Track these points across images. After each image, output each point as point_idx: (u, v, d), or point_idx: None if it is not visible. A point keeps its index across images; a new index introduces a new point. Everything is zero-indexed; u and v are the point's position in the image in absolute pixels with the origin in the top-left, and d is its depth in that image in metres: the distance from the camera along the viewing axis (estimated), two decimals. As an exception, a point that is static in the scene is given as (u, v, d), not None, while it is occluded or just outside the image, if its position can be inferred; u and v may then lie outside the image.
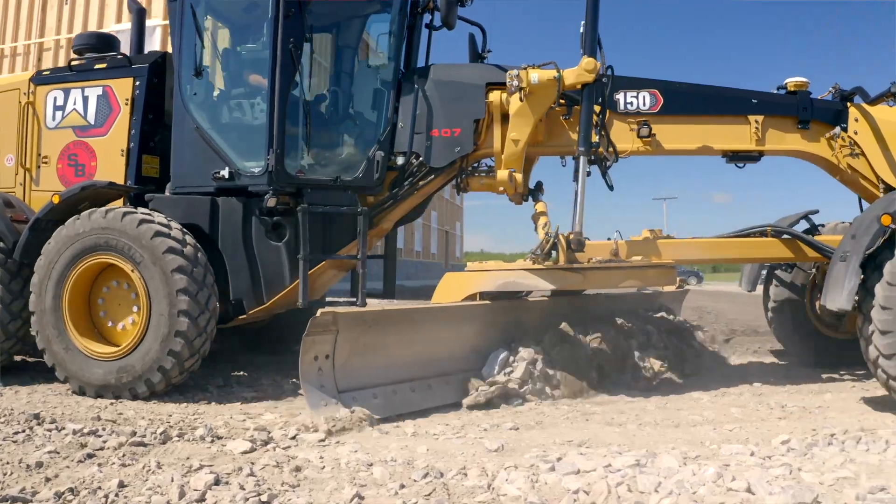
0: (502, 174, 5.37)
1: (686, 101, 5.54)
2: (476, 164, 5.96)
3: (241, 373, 6.17)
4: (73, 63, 6.06)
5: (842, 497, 2.77)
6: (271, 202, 5.30)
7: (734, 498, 2.75)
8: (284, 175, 5.35)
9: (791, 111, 5.52)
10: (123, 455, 3.36)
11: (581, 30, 5.06)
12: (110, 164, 5.80)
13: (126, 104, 5.80)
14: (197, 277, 4.92)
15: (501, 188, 5.46)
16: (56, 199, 5.27)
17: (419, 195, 5.91)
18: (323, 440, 3.74)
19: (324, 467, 3.21)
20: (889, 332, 4.19)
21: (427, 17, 6.01)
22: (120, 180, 5.72)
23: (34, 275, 5.18)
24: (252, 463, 3.22)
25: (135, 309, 5.09)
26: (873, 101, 5.48)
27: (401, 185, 5.80)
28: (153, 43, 9.69)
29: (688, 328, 6.24)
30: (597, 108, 5.37)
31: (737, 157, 5.72)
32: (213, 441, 3.70)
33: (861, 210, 5.67)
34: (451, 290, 5.14)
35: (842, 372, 6.28)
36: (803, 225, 6.22)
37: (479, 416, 4.44)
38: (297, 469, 3.16)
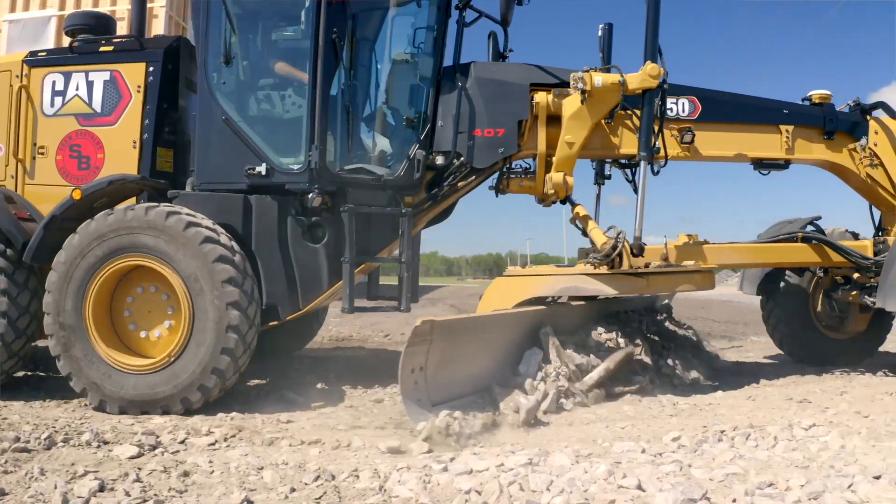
0: (557, 177, 5.28)
1: (723, 109, 5.66)
2: (510, 165, 5.85)
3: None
4: (75, 44, 5.47)
5: (731, 493, 2.82)
6: (317, 202, 4.98)
7: (625, 495, 2.79)
8: (327, 173, 5.04)
9: (818, 122, 5.76)
10: (6, 462, 3.26)
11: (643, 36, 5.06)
12: (121, 157, 5.28)
13: (138, 91, 5.30)
14: (247, 290, 4.55)
15: (551, 191, 5.37)
16: (78, 195, 4.73)
17: (455, 196, 5.73)
18: (213, 444, 3.69)
19: (213, 472, 3.16)
20: None
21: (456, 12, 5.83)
22: (131, 173, 5.22)
23: (52, 272, 4.62)
24: (139, 468, 3.17)
25: (169, 316, 4.66)
26: None
27: (440, 185, 5.61)
28: (48, 34, 8.49)
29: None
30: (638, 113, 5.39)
31: (764, 165, 5.91)
32: (99, 446, 3.62)
33: (872, 216, 6.00)
34: (506, 295, 5.01)
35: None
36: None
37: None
38: (186, 474, 3.11)
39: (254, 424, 4.17)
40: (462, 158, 5.49)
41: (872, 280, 5.67)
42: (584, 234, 5.56)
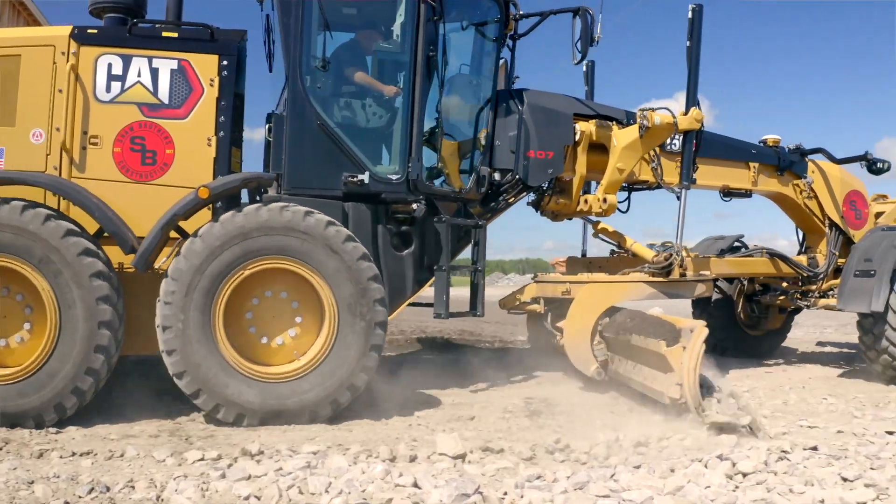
0: (611, 199, 5.96)
1: (713, 147, 6.73)
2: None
3: None
4: (134, 26, 4.92)
5: (502, 486, 3.03)
6: (421, 211, 5.12)
7: (402, 493, 2.93)
8: (422, 184, 5.21)
9: (774, 161, 7.12)
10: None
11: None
12: (194, 154, 4.90)
13: (211, 85, 4.96)
14: (385, 299, 4.59)
15: (599, 209, 6.02)
16: (205, 193, 4.36)
17: (506, 209, 6.17)
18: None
19: (-22, 490, 2.94)
20: None
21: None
22: (206, 173, 4.89)
23: (170, 282, 4.21)
24: None
25: (297, 321, 4.55)
26: (841, 161, 7.38)
27: (495, 199, 6.01)
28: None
29: None
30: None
31: (731, 194, 7.16)
32: None
33: (798, 237, 7.60)
34: (597, 300, 5.62)
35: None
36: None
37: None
38: (-52, 493, 2.89)
39: (21, 436, 3.96)
40: (517, 176, 5.95)
41: (812, 287, 7.18)
42: (619, 247, 6.34)
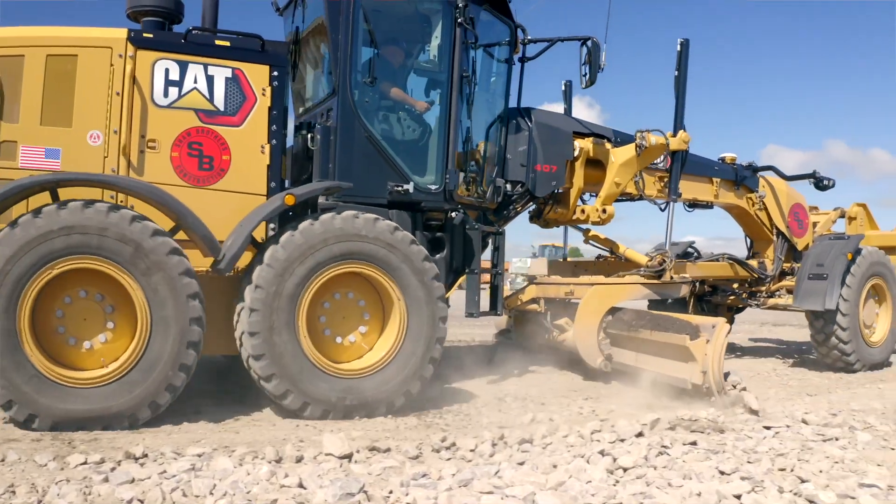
0: (610, 209, 6.62)
1: (687, 164, 7.54)
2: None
3: None
4: (190, 32, 5.03)
5: (388, 485, 3.07)
6: (459, 219, 5.54)
7: (287, 493, 2.95)
8: (456, 194, 5.63)
9: (731, 176, 8.06)
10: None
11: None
12: (249, 160, 5.08)
13: (263, 94, 5.16)
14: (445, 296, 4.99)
15: (598, 218, 6.67)
16: (291, 200, 4.59)
17: (513, 217, 6.70)
18: None
19: None
20: (847, 319, 7.00)
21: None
22: (260, 180, 5.11)
23: (255, 289, 4.41)
24: None
25: (366, 318, 4.90)
26: (790, 178, 8.40)
27: (507, 207, 6.53)
28: None
29: None
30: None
31: (695, 205, 8.03)
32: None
33: (747, 243, 8.60)
34: (605, 299, 6.24)
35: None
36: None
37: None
38: None
39: None
40: (526, 187, 6.49)
41: (761, 288, 8.17)
42: (612, 253, 7.04)
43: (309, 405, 4.52)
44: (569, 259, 8.43)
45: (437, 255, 5.71)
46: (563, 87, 8.15)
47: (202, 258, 4.69)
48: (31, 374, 4.06)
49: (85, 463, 3.40)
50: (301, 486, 3.01)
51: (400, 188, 5.37)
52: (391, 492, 2.97)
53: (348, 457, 3.55)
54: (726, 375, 5.14)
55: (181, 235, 4.63)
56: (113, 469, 3.27)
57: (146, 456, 3.52)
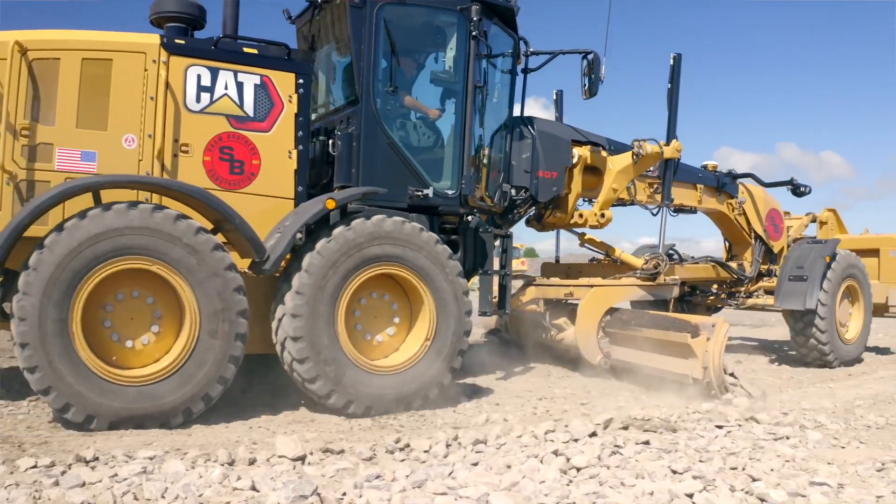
0: (609, 214, 6.98)
1: (676, 171, 7.98)
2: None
3: None
4: (220, 40, 5.17)
5: (341, 486, 3.06)
6: (475, 222, 5.81)
7: (239, 496, 2.94)
8: (472, 199, 5.90)
9: (714, 183, 8.53)
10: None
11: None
12: (278, 166, 5.26)
13: (290, 101, 5.34)
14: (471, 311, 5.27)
15: (596, 222, 7.02)
16: (332, 205, 4.80)
17: (517, 221, 7.01)
18: None
19: None
20: (825, 318, 7.49)
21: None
22: (288, 184, 5.30)
23: (296, 295, 4.61)
24: None
25: (396, 321, 5.14)
26: (768, 185, 8.90)
27: (511, 212, 6.83)
28: None
29: None
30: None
31: (680, 210, 8.48)
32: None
33: (726, 246, 9.09)
34: (603, 300, 6.59)
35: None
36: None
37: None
38: None
39: None
40: (529, 192, 6.80)
41: (740, 289, 8.65)
42: (607, 255, 7.40)
43: (353, 402, 4.74)
44: (523, 259, 8.82)
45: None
46: (554, 97, 8.50)
47: (239, 259, 4.86)
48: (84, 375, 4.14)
49: (35, 467, 3.34)
50: (254, 488, 3.01)
51: (419, 193, 5.60)
52: (345, 493, 2.96)
53: (302, 459, 3.55)
54: (726, 369, 5.53)
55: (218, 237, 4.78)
56: (63, 473, 3.21)
57: (97, 459, 3.47)
